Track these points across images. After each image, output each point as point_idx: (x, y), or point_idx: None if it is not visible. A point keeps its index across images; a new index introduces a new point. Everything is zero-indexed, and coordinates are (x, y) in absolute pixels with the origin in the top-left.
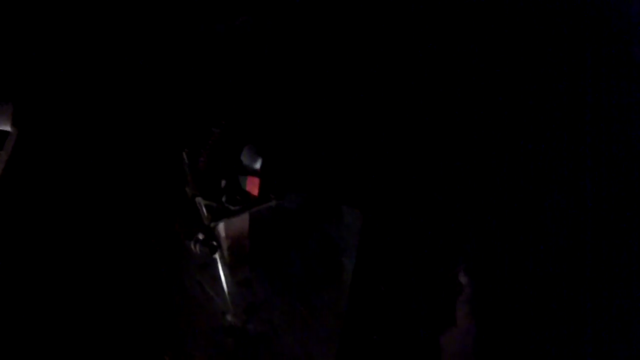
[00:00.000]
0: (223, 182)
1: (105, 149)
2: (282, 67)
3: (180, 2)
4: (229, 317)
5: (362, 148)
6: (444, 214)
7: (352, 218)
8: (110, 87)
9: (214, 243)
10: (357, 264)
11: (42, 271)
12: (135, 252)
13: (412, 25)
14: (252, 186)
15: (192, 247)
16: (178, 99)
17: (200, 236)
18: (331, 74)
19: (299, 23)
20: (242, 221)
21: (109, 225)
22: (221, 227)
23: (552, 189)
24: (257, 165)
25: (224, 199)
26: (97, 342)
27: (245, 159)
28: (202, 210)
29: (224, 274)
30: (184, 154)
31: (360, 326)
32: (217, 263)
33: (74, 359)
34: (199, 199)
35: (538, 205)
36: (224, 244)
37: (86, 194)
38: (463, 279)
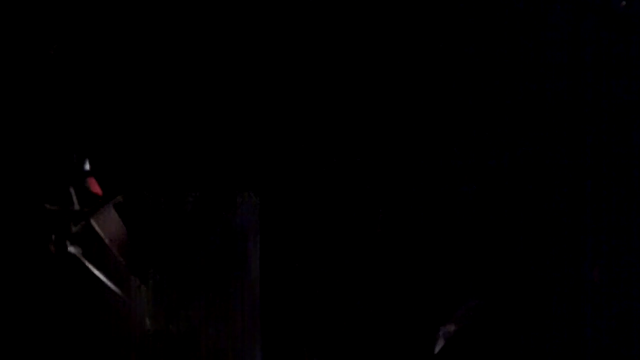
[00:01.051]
0: (72, 190)
1: None
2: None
3: None
4: (149, 322)
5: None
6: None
7: (248, 203)
8: None
9: (69, 242)
10: (264, 247)
11: None
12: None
13: None
14: (94, 186)
15: (51, 249)
16: None
17: (53, 237)
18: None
19: None
20: (112, 219)
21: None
22: (96, 229)
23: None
24: (87, 166)
25: (76, 205)
26: None
27: (75, 163)
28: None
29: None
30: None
31: (281, 307)
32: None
33: None
34: (46, 205)
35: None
36: (111, 246)
37: None
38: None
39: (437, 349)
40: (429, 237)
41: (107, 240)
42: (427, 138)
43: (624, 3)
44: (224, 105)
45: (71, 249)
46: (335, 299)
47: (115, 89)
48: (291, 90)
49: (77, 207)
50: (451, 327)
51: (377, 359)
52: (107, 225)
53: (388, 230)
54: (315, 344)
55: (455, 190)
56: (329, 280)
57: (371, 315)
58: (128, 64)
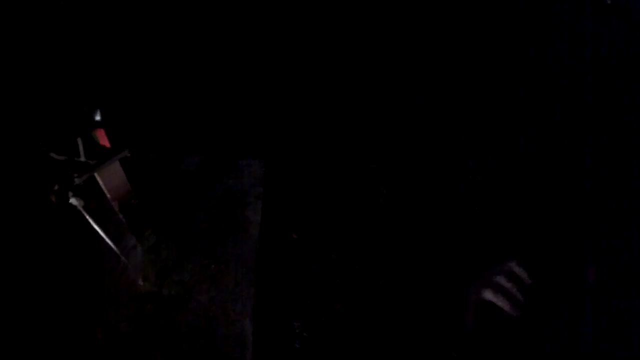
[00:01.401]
0: (79, 141)
1: None
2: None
3: None
4: (142, 284)
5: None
6: (351, 150)
7: (252, 170)
8: None
9: (71, 193)
10: (265, 216)
11: None
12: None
13: None
14: (102, 138)
15: (52, 198)
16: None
17: (55, 187)
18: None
19: None
20: (115, 174)
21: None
22: (99, 182)
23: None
24: (97, 116)
25: (82, 156)
26: (24, 328)
27: (85, 113)
28: (68, 170)
29: (128, 240)
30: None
31: (275, 278)
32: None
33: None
34: (52, 154)
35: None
36: (112, 201)
37: None
38: None
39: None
40: (428, 210)
41: (108, 195)
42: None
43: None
44: (235, 71)
45: (73, 200)
46: (331, 274)
47: (129, 45)
48: (300, 61)
49: (83, 158)
50: (484, 293)
51: (369, 338)
52: (111, 179)
53: (391, 202)
54: (307, 319)
55: (458, 166)
56: (327, 254)
57: (366, 292)
58: (143, 21)
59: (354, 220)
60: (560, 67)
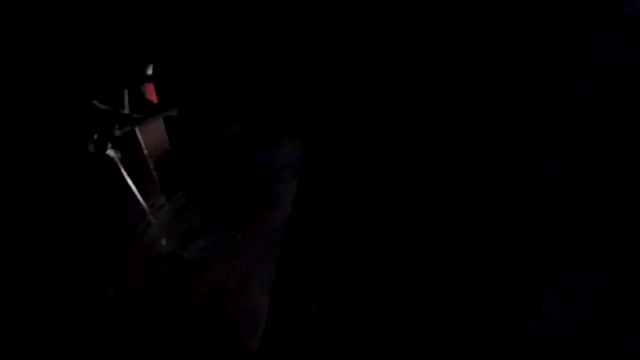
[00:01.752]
0: (126, 93)
1: None
2: None
3: None
4: (165, 245)
5: (305, 76)
6: (393, 145)
7: (292, 147)
8: None
9: (110, 144)
10: (299, 195)
11: None
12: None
13: None
14: (151, 93)
15: (89, 147)
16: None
17: (95, 136)
18: None
19: None
20: (157, 130)
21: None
22: (139, 137)
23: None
24: (149, 71)
25: (127, 108)
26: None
27: (137, 66)
28: (110, 121)
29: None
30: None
31: (299, 258)
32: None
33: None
34: (95, 102)
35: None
36: (148, 158)
37: None
38: None
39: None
40: (464, 212)
41: (146, 151)
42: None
43: None
44: (287, 48)
45: (110, 152)
46: (354, 264)
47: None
48: (345, 44)
49: (127, 111)
50: None
51: (381, 335)
52: (152, 136)
53: (426, 201)
54: (323, 304)
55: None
56: (354, 243)
57: (385, 289)
58: None
59: (386, 215)
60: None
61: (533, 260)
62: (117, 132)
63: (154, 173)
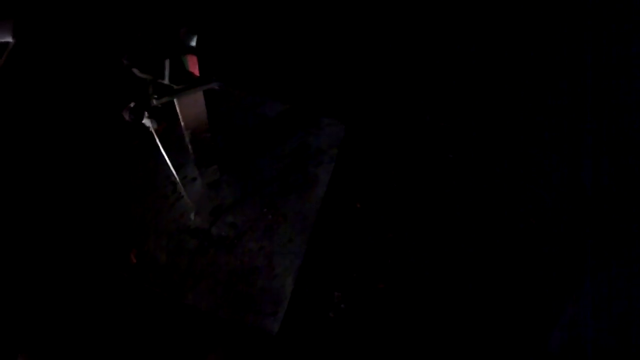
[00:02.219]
0: (167, 63)
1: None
2: None
3: None
4: (193, 218)
5: (347, 59)
6: (432, 135)
7: (332, 130)
8: None
9: (146, 113)
10: (335, 178)
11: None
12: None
13: None
14: (193, 65)
15: (124, 115)
16: None
17: (132, 104)
18: None
19: None
20: (196, 103)
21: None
22: (177, 108)
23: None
24: (193, 42)
25: (167, 78)
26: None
27: (181, 37)
28: (148, 90)
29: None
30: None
31: (329, 243)
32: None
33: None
34: (135, 70)
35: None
36: (185, 130)
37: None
38: None
39: None
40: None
41: (183, 123)
42: None
43: None
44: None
45: (146, 121)
46: (384, 252)
47: None
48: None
49: (167, 81)
50: None
51: (402, 328)
52: (190, 108)
53: (459, 197)
54: (348, 291)
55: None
56: (385, 232)
57: (412, 280)
58: None
59: (419, 206)
60: None
61: (556, 267)
62: (155, 102)
63: (190, 146)
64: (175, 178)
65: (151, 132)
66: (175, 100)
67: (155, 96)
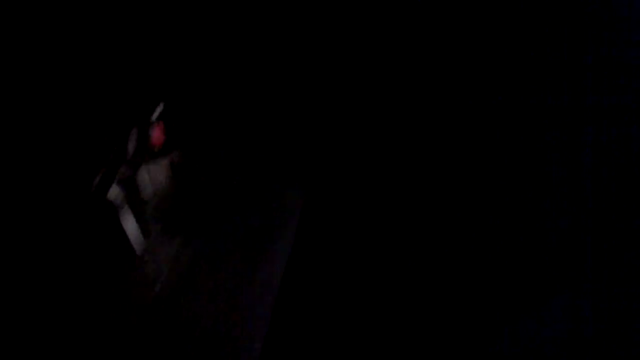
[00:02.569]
0: (133, 135)
1: None
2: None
3: None
4: (158, 288)
5: (306, 129)
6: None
7: (292, 197)
8: None
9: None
10: (297, 243)
11: None
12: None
13: None
14: (157, 137)
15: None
16: None
17: (97, 178)
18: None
19: None
20: (161, 174)
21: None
22: (144, 179)
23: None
24: (155, 115)
25: (132, 151)
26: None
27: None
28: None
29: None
30: None
31: (293, 311)
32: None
33: None
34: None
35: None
36: (153, 198)
37: None
38: None
39: None
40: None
41: (149, 191)
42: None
43: None
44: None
45: (112, 192)
46: (352, 313)
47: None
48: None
49: (131, 153)
50: None
51: None
52: (155, 178)
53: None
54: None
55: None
56: (351, 292)
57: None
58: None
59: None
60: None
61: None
62: (121, 174)
63: (155, 214)
64: (140, 246)
65: (117, 201)
66: (140, 172)
67: (122, 169)
